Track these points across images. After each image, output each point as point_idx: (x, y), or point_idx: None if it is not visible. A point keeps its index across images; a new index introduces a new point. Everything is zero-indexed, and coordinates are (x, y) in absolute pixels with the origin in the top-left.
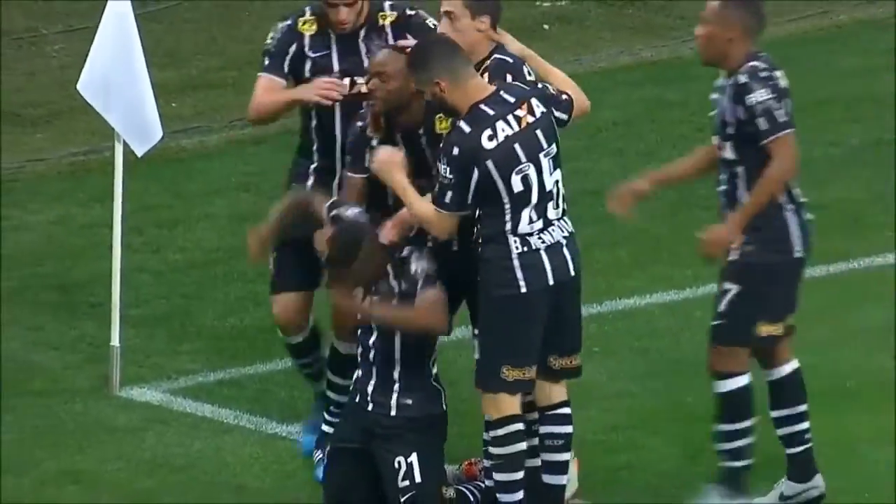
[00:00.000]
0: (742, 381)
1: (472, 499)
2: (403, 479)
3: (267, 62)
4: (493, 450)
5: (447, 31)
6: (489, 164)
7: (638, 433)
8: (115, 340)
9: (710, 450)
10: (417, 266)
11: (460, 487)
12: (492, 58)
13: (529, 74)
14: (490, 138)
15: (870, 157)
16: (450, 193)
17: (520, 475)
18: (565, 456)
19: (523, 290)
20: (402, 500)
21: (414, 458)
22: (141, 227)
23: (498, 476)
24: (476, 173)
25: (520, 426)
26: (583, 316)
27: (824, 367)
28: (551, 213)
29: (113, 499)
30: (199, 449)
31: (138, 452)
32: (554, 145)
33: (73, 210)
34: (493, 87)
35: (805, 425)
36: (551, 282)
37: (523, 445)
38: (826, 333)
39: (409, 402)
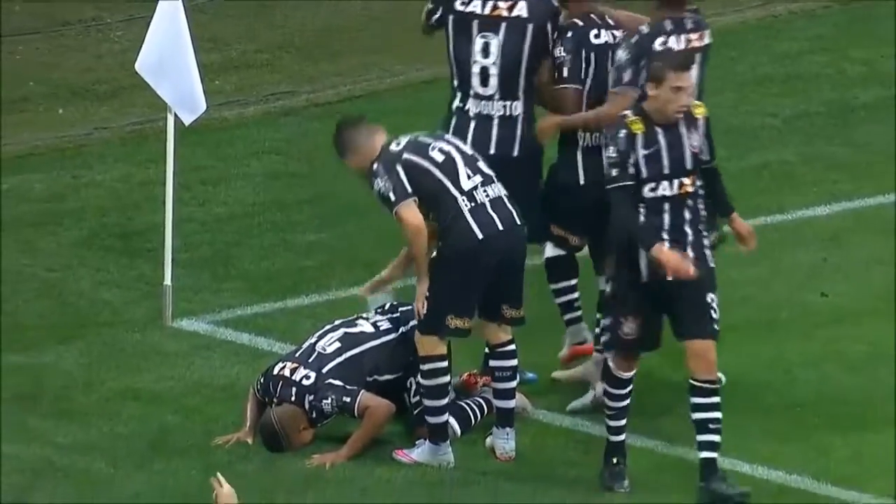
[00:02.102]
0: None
1: (469, 413)
2: (414, 396)
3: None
4: (421, 380)
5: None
6: (405, 156)
7: None
8: (168, 280)
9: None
10: (329, 403)
11: (460, 403)
12: None
13: None
14: (397, 144)
15: (801, 125)
16: (391, 194)
17: (444, 402)
18: (512, 384)
19: (479, 236)
20: (415, 413)
21: (421, 377)
22: (189, 184)
23: (427, 402)
24: (400, 170)
25: (444, 364)
26: None
27: (762, 301)
28: (486, 170)
29: (166, 412)
30: (238, 371)
31: (187, 374)
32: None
33: (133, 170)
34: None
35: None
36: (500, 227)
37: (447, 378)
38: (764, 272)
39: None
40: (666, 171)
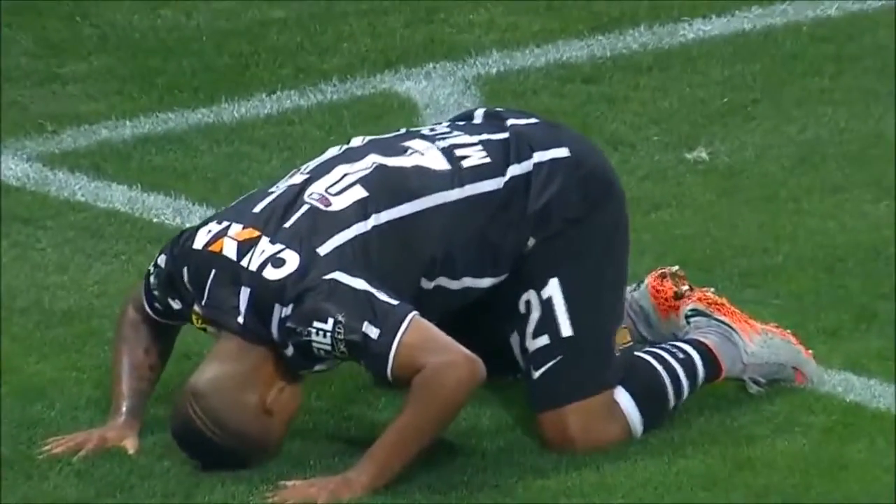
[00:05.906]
0: None
1: (662, 374)
2: (537, 334)
3: None
4: None
5: None
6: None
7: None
8: None
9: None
10: (328, 334)
11: (641, 355)
12: None
13: None
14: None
15: None
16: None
17: None
18: None
19: None
20: (537, 374)
21: (555, 286)
22: None
23: None
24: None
25: None
26: None
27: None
28: None
29: None
30: (106, 272)
31: (15, 280)
32: None
33: None
34: None
35: None
36: None
37: None
38: None
39: None
40: None
